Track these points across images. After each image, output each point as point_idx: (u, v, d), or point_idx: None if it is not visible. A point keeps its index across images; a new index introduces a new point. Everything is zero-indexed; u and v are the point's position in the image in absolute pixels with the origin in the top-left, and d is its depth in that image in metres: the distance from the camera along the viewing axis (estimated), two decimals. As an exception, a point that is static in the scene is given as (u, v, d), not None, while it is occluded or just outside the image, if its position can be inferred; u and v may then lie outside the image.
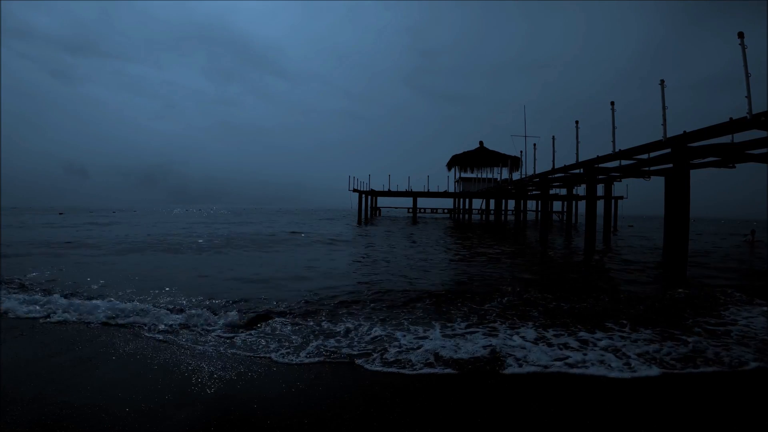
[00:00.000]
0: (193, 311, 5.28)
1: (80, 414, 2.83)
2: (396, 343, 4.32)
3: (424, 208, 47.86)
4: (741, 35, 6.90)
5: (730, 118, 7.24)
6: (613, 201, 27.28)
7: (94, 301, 5.59)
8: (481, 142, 40.68)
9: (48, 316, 5.17)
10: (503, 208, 35.18)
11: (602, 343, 4.35)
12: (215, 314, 5.22)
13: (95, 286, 6.94)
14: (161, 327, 4.80)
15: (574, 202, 32.52)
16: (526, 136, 21.71)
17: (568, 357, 3.97)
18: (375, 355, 4.02)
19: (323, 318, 5.25)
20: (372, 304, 5.94)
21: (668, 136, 8.75)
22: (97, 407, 2.92)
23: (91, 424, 2.72)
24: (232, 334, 4.61)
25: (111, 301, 5.65)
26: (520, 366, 3.80)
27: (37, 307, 5.43)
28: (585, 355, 4.04)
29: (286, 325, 4.93)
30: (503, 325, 4.96)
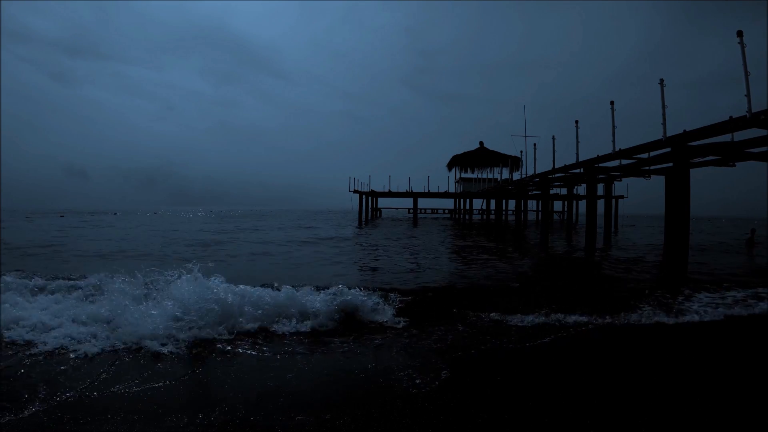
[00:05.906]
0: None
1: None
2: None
3: (425, 209, 47.82)
4: (740, 34, 6.91)
5: (730, 117, 7.24)
6: (613, 200, 27.26)
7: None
8: (481, 142, 40.69)
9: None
10: (504, 208, 35.13)
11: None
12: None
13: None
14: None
15: (574, 202, 32.51)
16: (526, 136, 21.56)
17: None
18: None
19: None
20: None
21: (668, 135, 8.76)
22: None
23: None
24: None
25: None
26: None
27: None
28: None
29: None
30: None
